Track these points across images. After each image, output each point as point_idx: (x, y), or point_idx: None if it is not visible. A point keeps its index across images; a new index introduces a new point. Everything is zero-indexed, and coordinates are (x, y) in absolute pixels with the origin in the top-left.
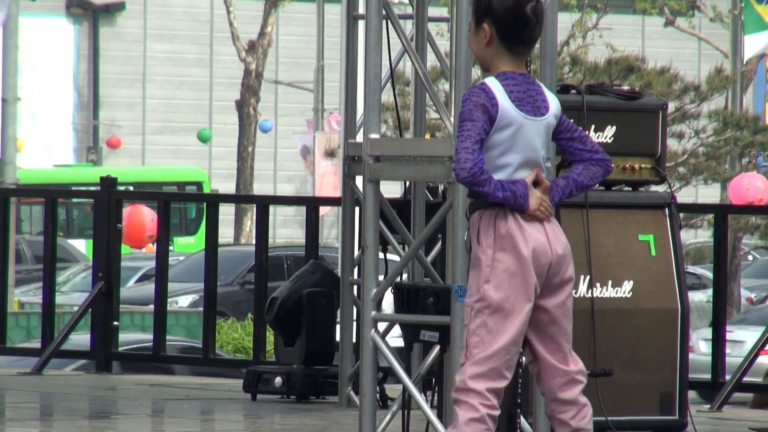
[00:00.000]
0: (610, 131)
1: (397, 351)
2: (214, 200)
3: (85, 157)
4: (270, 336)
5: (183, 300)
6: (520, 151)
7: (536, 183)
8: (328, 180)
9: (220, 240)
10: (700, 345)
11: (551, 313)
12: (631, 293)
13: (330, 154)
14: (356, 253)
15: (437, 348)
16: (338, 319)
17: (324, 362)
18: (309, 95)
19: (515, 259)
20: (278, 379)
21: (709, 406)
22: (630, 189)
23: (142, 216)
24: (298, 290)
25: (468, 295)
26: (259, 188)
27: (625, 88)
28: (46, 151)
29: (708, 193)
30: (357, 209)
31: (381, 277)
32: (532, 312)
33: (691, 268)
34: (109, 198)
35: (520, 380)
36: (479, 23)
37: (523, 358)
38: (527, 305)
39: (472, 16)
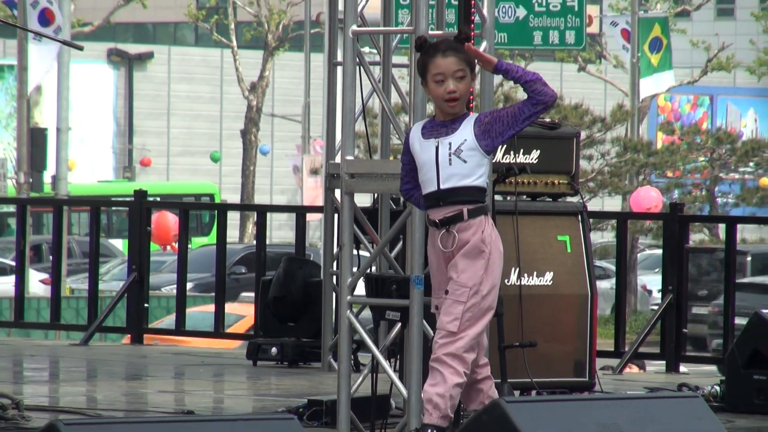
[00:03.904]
0: (535, 154)
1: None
2: (223, 208)
3: (122, 175)
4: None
5: None
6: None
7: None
8: (313, 193)
9: (228, 239)
10: None
11: None
12: (551, 281)
13: (315, 172)
14: (335, 250)
15: (399, 325)
16: None
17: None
18: (298, 125)
19: (501, 257)
20: (274, 349)
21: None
22: (551, 200)
23: (167, 220)
24: (300, 287)
25: (468, 277)
26: (259, 199)
27: (547, 120)
28: (91, 170)
29: (612, 203)
30: (336, 215)
31: (355, 269)
32: None
33: (598, 263)
34: (140, 207)
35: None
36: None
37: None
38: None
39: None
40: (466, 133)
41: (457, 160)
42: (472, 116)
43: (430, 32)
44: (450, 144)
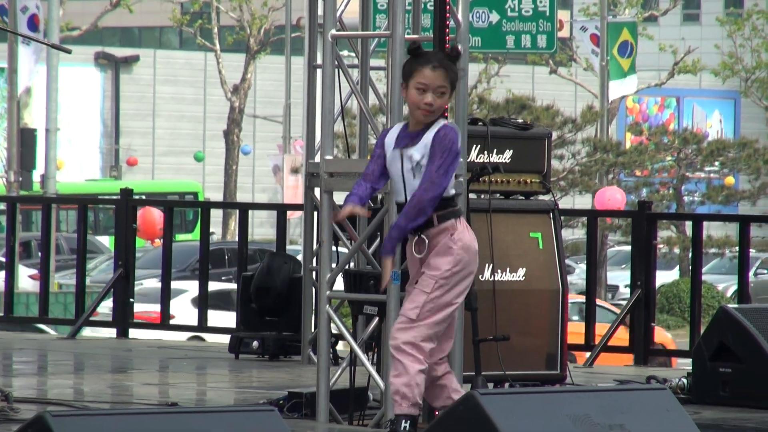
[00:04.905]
0: (508, 153)
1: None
2: (206, 206)
3: (109, 174)
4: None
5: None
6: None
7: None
8: (294, 191)
9: (210, 236)
10: None
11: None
12: (524, 277)
13: (295, 171)
14: (315, 246)
15: (376, 319)
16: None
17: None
18: (279, 126)
19: (473, 255)
20: (255, 343)
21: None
22: (523, 198)
23: (153, 215)
24: (285, 280)
25: (434, 269)
26: (241, 197)
27: (520, 120)
28: (79, 169)
29: (582, 201)
30: (315, 213)
31: (334, 265)
32: None
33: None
34: (126, 204)
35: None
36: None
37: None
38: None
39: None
40: (424, 147)
41: (420, 174)
42: (436, 127)
43: (407, 36)
44: (411, 157)
